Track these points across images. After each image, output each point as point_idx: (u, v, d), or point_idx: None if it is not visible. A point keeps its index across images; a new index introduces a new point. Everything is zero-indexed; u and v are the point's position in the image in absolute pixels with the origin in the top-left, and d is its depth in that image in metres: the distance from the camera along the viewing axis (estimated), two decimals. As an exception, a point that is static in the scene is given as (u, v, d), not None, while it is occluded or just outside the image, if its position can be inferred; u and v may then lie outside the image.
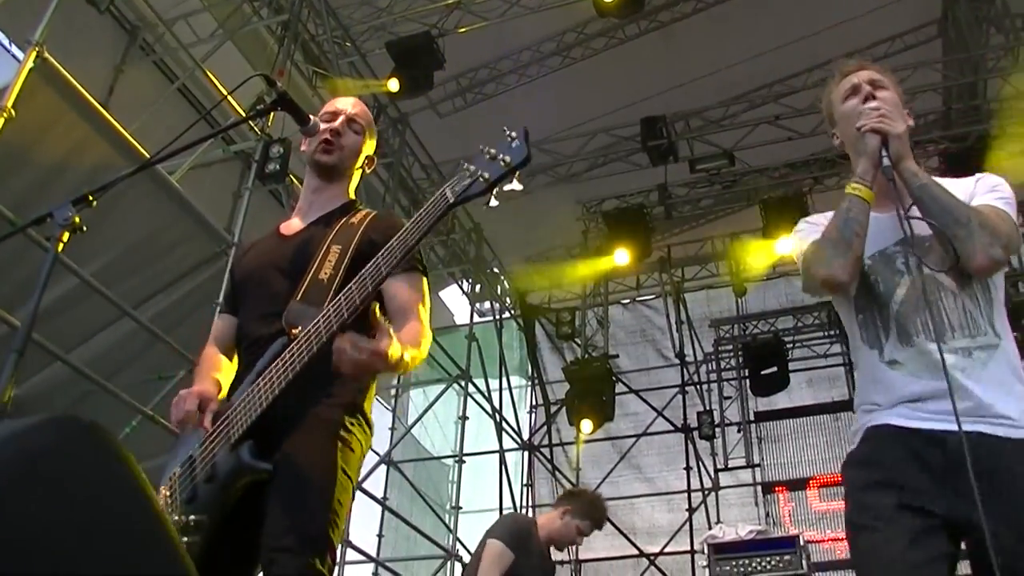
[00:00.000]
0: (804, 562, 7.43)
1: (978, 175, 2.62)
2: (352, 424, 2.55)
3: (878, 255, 2.52)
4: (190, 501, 2.46)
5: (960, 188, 2.52)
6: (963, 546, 2.28)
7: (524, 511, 13.46)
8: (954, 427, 2.13)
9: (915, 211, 2.41)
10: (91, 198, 2.34)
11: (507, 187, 2.38)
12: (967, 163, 9.49)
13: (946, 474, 2.22)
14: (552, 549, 5.54)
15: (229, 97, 7.10)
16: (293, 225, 2.91)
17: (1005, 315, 2.45)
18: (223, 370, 2.76)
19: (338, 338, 2.30)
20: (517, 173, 2.35)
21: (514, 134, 2.37)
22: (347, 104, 3.02)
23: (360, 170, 3.02)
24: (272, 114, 5.42)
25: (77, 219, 2.28)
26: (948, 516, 2.22)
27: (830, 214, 2.57)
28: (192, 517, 2.41)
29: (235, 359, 2.81)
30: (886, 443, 2.36)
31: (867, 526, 2.29)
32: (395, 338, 2.34)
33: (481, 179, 2.34)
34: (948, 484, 2.22)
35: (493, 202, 2.37)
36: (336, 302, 2.39)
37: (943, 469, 2.24)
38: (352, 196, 2.98)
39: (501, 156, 2.34)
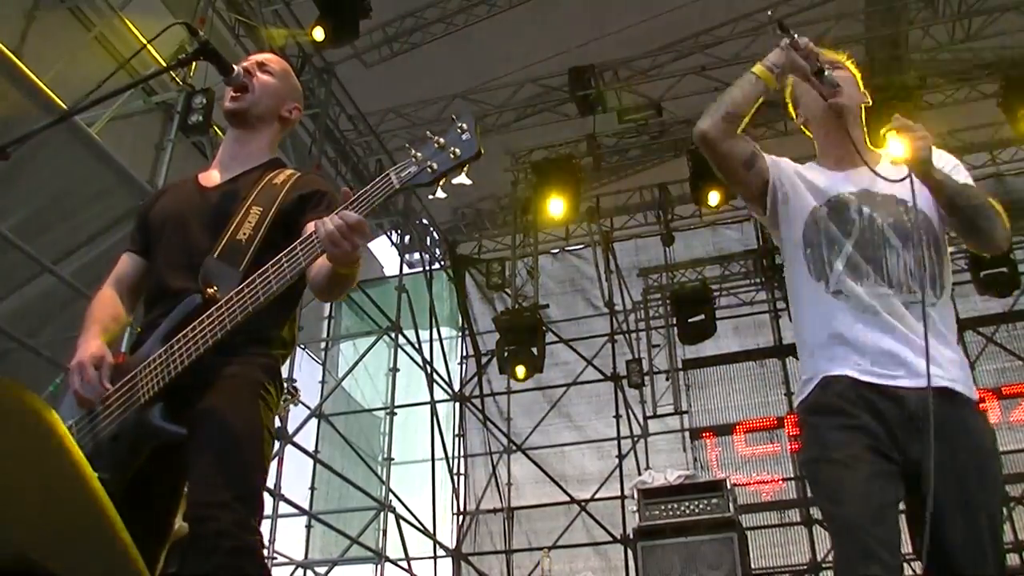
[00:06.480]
0: (731, 505, 7.59)
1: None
2: (269, 385, 2.53)
3: (833, 199, 2.65)
4: (92, 458, 2.41)
5: None
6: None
7: (456, 461, 13.57)
8: (907, 384, 2.39)
9: (885, 171, 2.59)
10: (6, 150, 2.27)
11: (455, 180, 2.35)
12: (889, 112, 9.63)
13: (904, 427, 2.40)
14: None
15: (149, 46, 6.91)
16: (213, 177, 2.82)
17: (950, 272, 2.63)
18: (115, 318, 2.68)
19: (317, 223, 2.27)
20: (467, 167, 2.33)
21: (463, 125, 2.34)
22: (260, 56, 2.97)
23: (281, 123, 2.93)
24: (194, 64, 5.29)
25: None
26: (904, 465, 2.39)
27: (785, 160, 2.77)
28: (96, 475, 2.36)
29: (131, 303, 2.76)
30: (845, 393, 2.49)
31: (838, 461, 2.43)
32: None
33: (429, 169, 2.30)
34: (905, 436, 2.40)
35: (440, 193, 2.35)
36: (264, 273, 2.36)
37: (901, 423, 2.41)
38: (275, 153, 2.90)
39: (451, 148, 2.31)
